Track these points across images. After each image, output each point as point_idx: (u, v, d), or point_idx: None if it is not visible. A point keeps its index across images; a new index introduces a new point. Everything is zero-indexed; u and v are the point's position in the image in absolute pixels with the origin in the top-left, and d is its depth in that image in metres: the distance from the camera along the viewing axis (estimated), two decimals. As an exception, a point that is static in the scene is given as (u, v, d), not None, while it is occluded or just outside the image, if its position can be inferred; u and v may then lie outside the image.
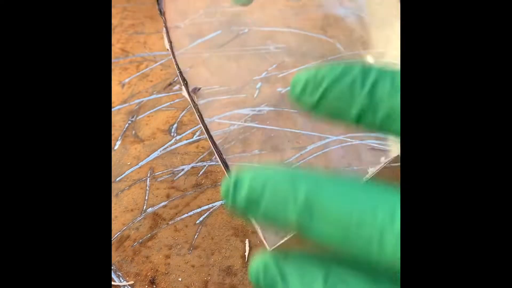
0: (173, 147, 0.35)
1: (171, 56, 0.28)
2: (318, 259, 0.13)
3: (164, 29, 0.28)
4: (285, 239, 0.22)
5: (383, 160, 0.30)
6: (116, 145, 0.36)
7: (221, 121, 0.37)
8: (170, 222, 0.30)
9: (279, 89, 0.41)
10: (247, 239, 0.28)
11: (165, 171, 0.33)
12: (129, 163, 0.34)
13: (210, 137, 0.25)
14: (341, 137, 0.36)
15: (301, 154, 0.35)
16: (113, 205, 0.31)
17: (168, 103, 0.40)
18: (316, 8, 0.52)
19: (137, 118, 0.38)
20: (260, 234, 0.23)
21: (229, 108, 0.39)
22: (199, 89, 0.29)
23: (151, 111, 0.39)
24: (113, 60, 0.46)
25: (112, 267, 0.27)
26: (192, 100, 0.27)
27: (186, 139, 0.36)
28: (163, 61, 0.45)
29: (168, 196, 0.31)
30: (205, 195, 0.31)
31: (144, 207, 0.31)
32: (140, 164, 0.34)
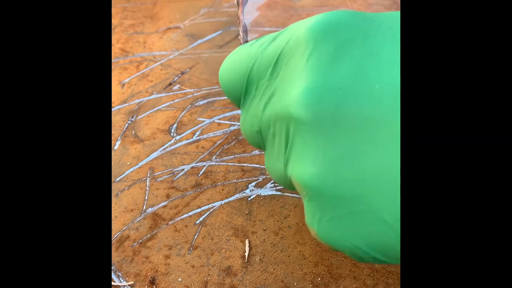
0: (173, 147, 0.35)
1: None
2: None
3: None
4: None
5: None
6: (116, 145, 0.36)
7: (221, 122, 0.38)
8: (170, 222, 0.30)
9: (279, 89, 0.41)
10: (247, 239, 0.28)
11: (165, 171, 0.33)
12: (129, 163, 0.34)
13: None
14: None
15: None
16: (113, 205, 0.31)
17: (168, 103, 0.40)
18: (316, 8, 0.52)
19: (137, 118, 0.38)
20: None
21: (230, 109, 0.39)
22: None
23: (151, 111, 0.39)
24: (113, 60, 0.46)
25: (112, 267, 0.27)
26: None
27: (186, 139, 0.36)
28: (163, 61, 0.45)
29: (168, 196, 0.31)
30: (205, 195, 0.31)
31: (144, 207, 0.31)
32: (140, 164, 0.34)
